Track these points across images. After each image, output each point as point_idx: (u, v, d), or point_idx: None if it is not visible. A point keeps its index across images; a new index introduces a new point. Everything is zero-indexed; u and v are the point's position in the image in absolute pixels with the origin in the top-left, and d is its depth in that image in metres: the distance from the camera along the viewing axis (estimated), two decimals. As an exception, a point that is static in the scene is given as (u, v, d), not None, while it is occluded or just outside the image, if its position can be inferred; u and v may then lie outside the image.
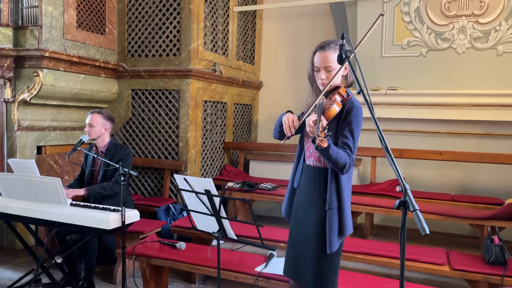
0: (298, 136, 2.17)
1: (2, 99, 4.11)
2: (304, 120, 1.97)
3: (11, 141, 4.14)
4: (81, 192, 3.29)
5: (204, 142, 5.03)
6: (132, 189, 4.99)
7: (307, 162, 2.09)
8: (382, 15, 1.91)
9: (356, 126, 1.95)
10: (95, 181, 3.54)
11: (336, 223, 1.97)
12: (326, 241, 1.95)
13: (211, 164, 5.25)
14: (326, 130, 1.72)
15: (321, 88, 2.02)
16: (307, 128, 1.80)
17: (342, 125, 1.94)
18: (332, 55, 1.95)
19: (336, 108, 1.89)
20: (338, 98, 1.95)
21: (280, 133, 2.08)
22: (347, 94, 2.01)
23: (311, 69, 2.05)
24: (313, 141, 1.73)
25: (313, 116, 1.77)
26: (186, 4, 4.58)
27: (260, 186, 4.72)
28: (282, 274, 2.23)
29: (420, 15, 4.86)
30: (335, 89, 2.01)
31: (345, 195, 1.99)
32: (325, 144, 1.69)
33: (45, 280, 3.26)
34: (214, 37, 5.11)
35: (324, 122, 1.76)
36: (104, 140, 3.51)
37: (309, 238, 2.02)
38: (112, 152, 3.45)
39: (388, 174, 4.85)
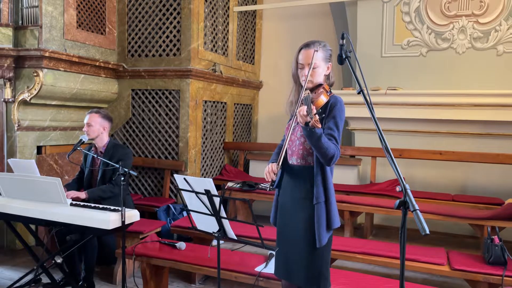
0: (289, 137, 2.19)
1: (2, 99, 4.11)
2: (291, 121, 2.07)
3: (11, 141, 4.13)
4: (82, 195, 3.28)
5: (204, 142, 5.03)
6: (132, 189, 4.99)
7: (290, 162, 2.11)
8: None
9: (340, 120, 2.01)
10: (94, 181, 3.53)
11: (324, 217, 1.99)
12: (315, 235, 1.97)
13: (211, 164, 5.25)
14: (318, 115, 1.77)
15: (303, 84, 2.05)
16: (298, 119, 1.83)
17: (327, 119, 1.99)
18: (317, 53, 2.01)
19: (323, 99, 1.96)
20: (323, 91, 2.02)
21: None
22: (330, 91, 2.06)
23: (295, 67, 2.10)
24: (306, 124, 1.77)
25: (303, 107, 1.80)
26: (186, 4, 4.59)
27: (260, 186, 4.72)
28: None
29: (420, 15, 4.86)
30: (318, 86, 2.05)
31: (331, 189, 2.03)
32: (319, 125, 1.73)
33: (45, 280, 3.26)
34: (214, 37, 5.11)
35: (314, 109, 1.80)
36: (102, 140, 3.50)
37: (299, 237, 2.03)
38: (111, 152, 3.44)
39: (388, 174, 4.85)
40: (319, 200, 1.99)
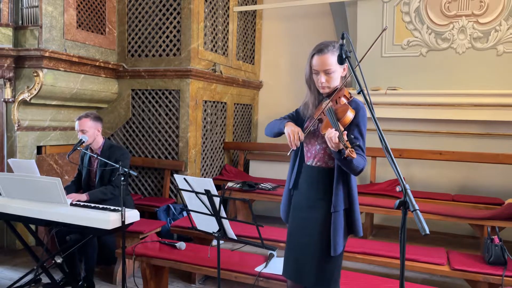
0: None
1: (2, 99, 4.11)
2: (305, 124, 2.03)
3: (11, 141, 4.13)
4: (83, 198, 3.27)
5: (204, 142, 5.03)
6: (132, 189, 4.99)
7: (307, 163, 2.07)
8: (385, 29, 1.95)
9: (364, 127, 1.96)
10: (92, 182, 3.52)
11: (342, 226, 1.96)
12: (331, 243, 1.94)
13: (211, 164, 5.25)
14: (348, 140, 1.72)
15: (321, 91, 2.02)
16: (329, 144, 1.77)
17: (351, 127, 1.93)
18: (331, 58, 1.94)
19: (350, 116, 1.88)
20: (345, 101, 1.96)
21: (276, 135, 2.12)
22: (350, 95, 2.01)
23: (309, 72, 2.03)
24: (339, 152, 1.72)
25: (332, 131, 1.75)
26: (186, 4, 4.59)
27: (260, 186, 4.72)
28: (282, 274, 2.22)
29: (420, 15, 4.86)
30: (336, 90, 2.00)
31: (354, 196, 1.99)
32: (354, 155, 1.68)
33: (45, 280, 3.26)
34: (214, 37, 5.11)
35: (345, 133, 1.74)
36: (98, 142, 3.46)
37: (312, 239, 2.00)
38: (108, 153, 3.41)
39: (388, 174, 4.85)
40: (338, 209, 1.94)
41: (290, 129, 1.94)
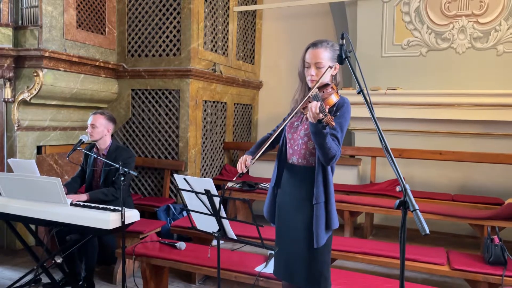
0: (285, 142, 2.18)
1: (2, 99, 4.11)
2: (284, 124, 2.07)
3: (11, 141, 4.13)
4: (83, 197, 3.27)
5: (204, 142, 5.03)
6: (132, 189, 4.99)
7: (290, 161, 2.09)
8: (330, 67, 2.01)
9: (345, 121, 1.99)
10: (95, 183, 3.52)
11: (323, 217, 1.98)
12: (313, 235, 1.96)
13: (211, 164, 5.25)
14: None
15: (310, 84, 2.05)
16: (309, 114, 1.77)
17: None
18: (323, 53, 2.00)
19: (334, 98, 1.94)
20: (333, 91, 1.99)
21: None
22: (337, 89, 2.04)
23: (302, 65, 2.09)
24: (319, 122, 1.73)
25: (315, 103, 1.77)
26: (186, 4, 4.59)
27: (260, 186, 4.72)
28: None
29: (420, 15, 4.86)
30: (325, 86, 2.03)
31: (331, 189, 2.02)
32: (333, 123, 1.71)
33: (45, 280, 3.26)
34: (214, 37, 5.12)
35: (328, 107, 1.79)
36: (106, 142, 3.48)
37: (299, 238, 2.02)
38: (115, 154, 3.41)
39: (388, 174, 4.85)
40: (319, 201, 1.97)
41: (242, 158, 2.07)
